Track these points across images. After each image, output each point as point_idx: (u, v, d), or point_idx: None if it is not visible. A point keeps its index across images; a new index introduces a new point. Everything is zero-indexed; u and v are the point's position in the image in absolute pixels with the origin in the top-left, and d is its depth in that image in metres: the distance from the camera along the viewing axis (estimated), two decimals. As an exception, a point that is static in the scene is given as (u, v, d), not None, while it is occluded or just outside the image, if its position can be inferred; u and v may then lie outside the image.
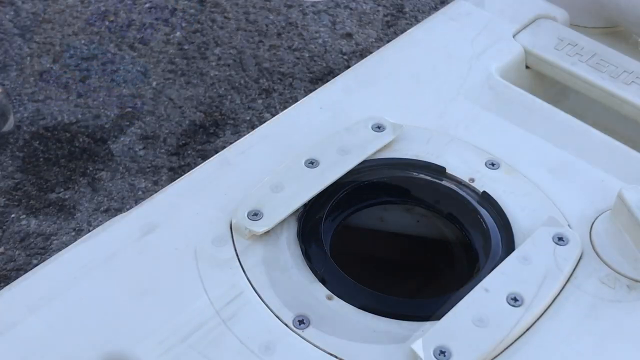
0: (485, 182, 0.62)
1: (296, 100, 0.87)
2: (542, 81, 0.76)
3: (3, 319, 0.53)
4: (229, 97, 1.45)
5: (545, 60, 0.74)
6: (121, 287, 0.54)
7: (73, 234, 1.26)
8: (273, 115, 0.79)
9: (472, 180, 0.62)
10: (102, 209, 1.31)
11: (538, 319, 0.52)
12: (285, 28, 1.67)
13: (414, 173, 0.62)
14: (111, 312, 0.53)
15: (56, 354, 0.51)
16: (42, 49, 1.53)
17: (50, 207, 1.29)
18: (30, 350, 0.51)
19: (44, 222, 1.27)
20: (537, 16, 0.77)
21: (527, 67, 0.75)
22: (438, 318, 0.52)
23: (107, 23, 1.60)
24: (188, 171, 0.63)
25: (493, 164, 0.63)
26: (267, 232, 0.57)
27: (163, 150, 1.36)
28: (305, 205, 0.59)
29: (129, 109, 1.43)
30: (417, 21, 1.75)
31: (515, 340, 0.51)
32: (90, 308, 0.53)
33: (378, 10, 1.81)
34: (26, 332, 0.52)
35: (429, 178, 0.62)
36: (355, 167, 0.61)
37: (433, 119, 0.67)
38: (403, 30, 1.69)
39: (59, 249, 0.94)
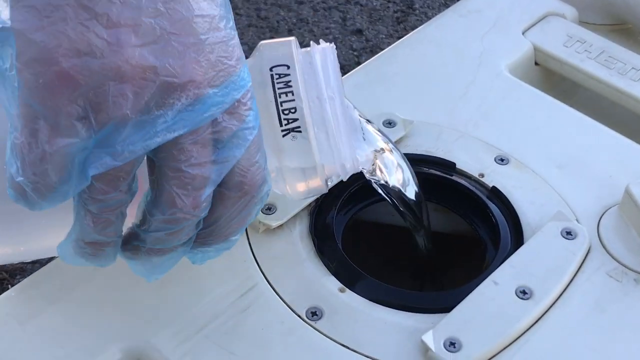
0: (494, 177, 0.62)
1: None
2: (551, 78, 0.77)
3: (23, 310, 0.54)
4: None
5: (554, 57, 0.74)
6: (138, 279, 0.55)
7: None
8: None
9: (482, 175, 0.63)
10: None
11: (546, 311, 0.53)
12: (296, 24, 1.68)
13: (425, 168, 0.63)
14: (129, 304, 0.54)
15: (76, 344, 0.52)
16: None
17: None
18: (51, 340, 0.52)
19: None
20: (547, 13, 0.78)
21: (536, 63, 0.76)
22: (448, 310, 0.53)
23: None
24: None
25: (502, 160, 0.63)
26: (280, 226, 0.58)
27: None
28: (317, 200, 0.60)
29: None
30: (427, 17, 1.76)
31: (524, 333, 0.52)
32: (108, 300, 0.55)
33: (388, 7, 1.82)
34: (46, 323, 0.53)
35: (439, 173, 0.63)
36: (367, 162, 0.62)
37: (443, 115, 0.68)
38: (413, 27, 1.70)
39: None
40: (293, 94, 0.45)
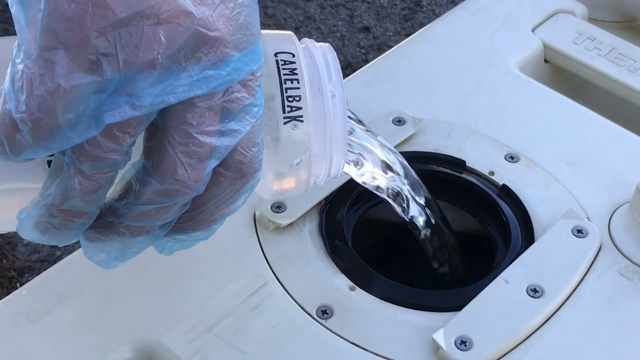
0: (504, 175, 0.62)
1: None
2: (561, 75, 0.76)
3: (34, 308, 0.54)
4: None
5: (564, 54, 0.74)
6: (148, 278, 0.56)
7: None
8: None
9: (492, 173, 0.62)
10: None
11: (557, 310, 0.53)
12: (303, 22, 1.68)
13: (435, 166, 0.63)
14: (139, 303, 0.54)
15: (86, 342, 0.52)
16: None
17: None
18: (61, 339, 0.52)
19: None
20: (556, 10, 0.78)
21: (545, 61, 0.76)
22: (459, 309, 0.52)
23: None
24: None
25: (512, 157, 0.63)
26: (290, 225, 0.58)
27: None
28: (327, 198, 0.60)
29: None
30: (435, 14, 1.76)
31: (535, 331, 0.52)
32: (118, 298, 0.55)
33: (396, 4, 1.82)
34: (56, 322, 0.53)
35: (449, 171, 0.63)
36: (377, 160, 0.61)
37: (453, 113, 0.68)
38: (421, 24, 1.70)
39: (83, 241, 0.96)
40: (299, 82, 0.43)
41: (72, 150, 0.36)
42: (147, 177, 0.38)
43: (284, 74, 0.43)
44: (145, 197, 0.38)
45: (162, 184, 0.38)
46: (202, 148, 0.37)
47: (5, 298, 0.55)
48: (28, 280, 0.57)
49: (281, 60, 0.44)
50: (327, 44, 0.48)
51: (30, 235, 0.40)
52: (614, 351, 0.51)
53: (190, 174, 0.37)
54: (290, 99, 0.43)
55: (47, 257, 1.24)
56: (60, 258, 0.58)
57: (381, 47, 1.67)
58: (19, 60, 0.34)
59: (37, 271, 1.28)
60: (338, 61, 0.47)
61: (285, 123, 0.43)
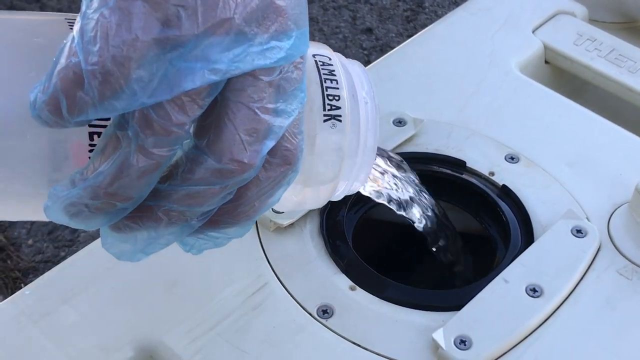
0: (505, 175, 0.63)
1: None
2: (561, 76, 0.77)
3: (37, 308, 0.54)
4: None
5: (565, 55, 0.74)
6: (150, 278, 0.56)
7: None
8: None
9: (492, 174, 0.63)
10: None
11: (557, 309, 0.53)
12: (306, 23, 1.68)
13: (435, 167, 0.63)
14: (141, 302, 0.55)
15: (88, 342, 0.53)
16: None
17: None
18: (64, 339, 0.53)
19: (70, 216, 1.29)
20: (557, 12, 0.78)
21: (546, 62, 0.76)
22: (459, 308, 0.53)
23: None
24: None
25: (513, 158, 0.64)
26: (291, 225, 0.59)
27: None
28: (328, 198, 0.60)
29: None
30: (437, 16, 1.76)
31: (534, 330, 0.52)
32: (121, 298, 0.55)
33: (398, 5, 1.82)
34: (59, 321, 0.54)
35: (449, 172, 0.63)
36: (377, 161, 0.62)
37: (453, 114, 0.68)
38: (423, 25, 1.70)
39: (86, 242, 0.96)
40: (337, 83, 0.42)
41: (138, 121, 0.34)
42: (201, 156, 0.36)
43: (323, 74, 0.43)
44: (197, 177, 0.36)
45: (219, 162, 0.35)
46: (261, 126, 0.36)
47: (8, 298, 0.56)
48: (32, 281, 0.57)
49: (319, 61, 0.43)
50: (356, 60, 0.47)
51: (57, 217, 0.37)
52: (613, 350, 0.52)
53: (248, 153, 0.36)
54: (330, 97, 0.42)
55: (51, 258, 1.24)
56: (64, 259, 0.58)
57: (383, 49, 1.68)
58: (92, 10, 0.32)
59: (41, 272, 1.28)
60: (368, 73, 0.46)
61: (325, 120, 0.42)
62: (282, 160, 0.38)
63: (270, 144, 0.36)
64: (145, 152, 0.34)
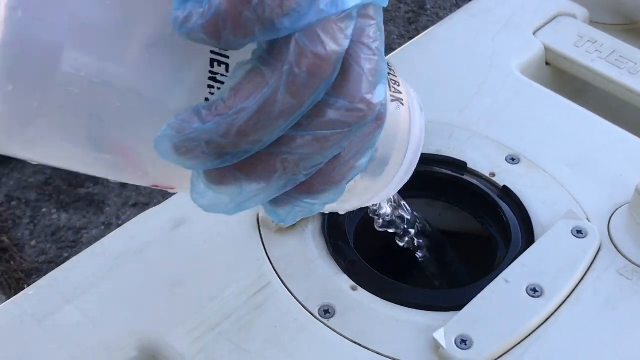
0: (505, 176, 0.63)
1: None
2: (562, 77, 0.77)
3: (40, 308, 0.55)
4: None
5: (565, 56, 0.75)
6: (153, 278, 0.56)
7: (102, 227, 1.29)
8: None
9: (493, 174, 0.63)
10: (130, 203, 1.33)
11: (557, 309, 0.54)
12: (308, 25, 1.68)
13: (436, 168, 0.64)
14: (144, 302, 0.55)
15: (92, 341, 0.53)
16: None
17: (80, 202, 1.32)
18: (68, 337, 0.53)
19: (74, 216, 1.29)
20: (557, 13, 0.79)
21: (547, 63, 0.76)
22: (460, 308, 0.53)
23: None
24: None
25: (513, 159, 0.64)
26: (292, 225, 0.59)
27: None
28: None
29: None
30: (439, 18, 1.76)
31: (535, 330, 0.52)
32: (123, 298, 0.55)
33: (400, 7, 1.82)
34: (63, 320, 0.54)
35: (450, 172, 0.64)
36: (379, 162, 0.62)
37: (454, 115, 0.68)
38: (425, 27, 1.70)
39: (89, 243, 0.97)
40: (396, 73, 0.42)
41: (294, 51, 0.32)
42: (330, 98, 0.34)
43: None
44: (327, 120, 0.34)
45: (351, 102, 0.34)
46: (379, 67, 0.35)
47: (12, 298, 0.56)
48: (35, 282, 0.58)
49: None
50: None
51: (166, 154, 0.34)
52: (613, 350, 0.52)
53: (375, 94, 0.35)
54: (393, 81, 0.41)
55: (54, 259, 1.25)
56: (67, 259, 0.58)
57: (385, 50, 1.68)
58: None
59: (44, 272, 1.29)
60: None
61: (392, 100, 0.41)
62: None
63: (385, 87, 0.35)
64: (294, 88, 0.32)
